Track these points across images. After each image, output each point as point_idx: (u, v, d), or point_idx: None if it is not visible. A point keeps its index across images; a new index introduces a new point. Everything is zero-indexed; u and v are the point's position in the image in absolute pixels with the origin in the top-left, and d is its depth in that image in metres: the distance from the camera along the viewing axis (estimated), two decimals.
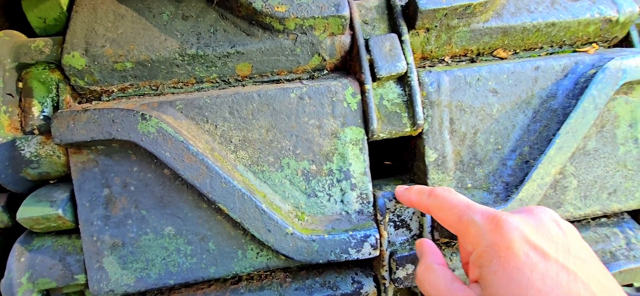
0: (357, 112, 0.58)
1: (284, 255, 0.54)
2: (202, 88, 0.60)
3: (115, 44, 0.57)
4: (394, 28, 0.61)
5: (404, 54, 0.58)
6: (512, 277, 0.32)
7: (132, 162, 0.55)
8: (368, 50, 0.58)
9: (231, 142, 0.56)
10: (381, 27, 0.62)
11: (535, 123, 0.61)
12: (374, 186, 0.60)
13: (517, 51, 0.66)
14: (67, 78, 0.57)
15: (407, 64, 0.57)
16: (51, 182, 0.59)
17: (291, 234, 0.53)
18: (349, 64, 0.62)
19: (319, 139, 0.57)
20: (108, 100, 0.58)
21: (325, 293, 0.57)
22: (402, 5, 0.61)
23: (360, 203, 0.58)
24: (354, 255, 0.54)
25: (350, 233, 0.54)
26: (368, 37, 0.59)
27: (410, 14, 0.60)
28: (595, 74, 0.59)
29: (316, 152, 0.57)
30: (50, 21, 0.59)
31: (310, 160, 0.57)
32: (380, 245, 0.56)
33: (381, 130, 0.58)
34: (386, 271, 0.57)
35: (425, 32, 0.61)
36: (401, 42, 0.59)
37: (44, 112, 0.57)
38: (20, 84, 0.58)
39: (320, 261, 0.54)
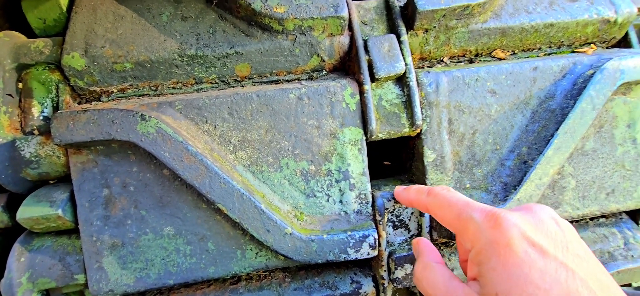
0: (355, 112, 0.58)
1: (283, 255, 0.55)
2: (202, 88, 0.60)
3: (115, 44, 0.57)
4: (392, 29, 0.61)
5: (403, 55, 0.58)
6: (511, 274, 0.33)
7: (131, 162, 0.55)
8: (367, 51, 0.58)
9: (230, 143, 0.56)
10: (380, 28, 0.62)
11: (533, 123, 0.61)
12: (372, 186, 0.61)
13: (516, 52, 0.66)
14: (66, 79, 0.57)
15: (406, 64, 0.58)
16: (51, 182, 0.59)
17: (290, 234, 0.54)
18: (348, 65, 0.62)
19: (318, 139, 0.57)
20: (108, 101, 0.59)
21: (324, 293, 0.58)
22: (400, 6, 0.62)
23: (359, 204, 0.58)
24: (352, 255, 0.55)
25: (349, 233, 0.55)
26: (367, 37, 0.59)
27: (409, 15, 0.60)
28: (593, 74, 0.59)
29: (315, 153, 0.57)
30: (50, 22, 0.59)
31: (309, 161, 0.57)
32: (379, 245, 0.56)
33: (380, 131, 0.58)
34: (385, 271, 0.57)
35: (423, 33, 0.61)
36: (400, 42, 0.59)
37: (43, 112, 0.57)
38: (20, 85, 0.58)
39: (319, 261, 0.55)
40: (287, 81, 0.61)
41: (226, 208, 0.53)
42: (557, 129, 0.58)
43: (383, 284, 0.58)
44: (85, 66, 0.56)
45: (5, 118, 0.56)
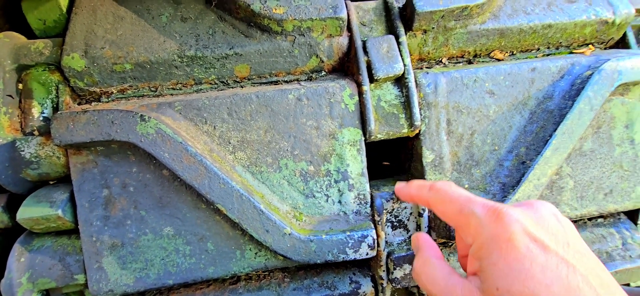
0: (354, 113, 0.58)
1: (282, 255, 0.55)
2: (201, 89, 0.61)
3: (115, 45, 0.57)
4: (391, 30, 0.62)
5: (401, 56, 0.58)
6: (512, 268, 0.33)
7: (131, 163, 0.55)
8: (365, 52, 0.58)
9: (230, 143, 0.57)
10: (379, 29, 0.62)
11: (531, 124, 0.61)
12: (371, 187, 0.61)
13: (514, 52, 0.67)
14: (66, 80, 0.57)
15: (405, 65, 0.58)
16: (51, 182, 0.59)
17: (289, 234, 0.54)
18: (347, 66, 0.62)
19: (317, 140, 0.58)
20: (107, 102, 0.59)
21: (323, 293, 0.58)
22: (399, 7, 0.62)
23: (358, 204, 0.58)
24: (351, 255, 0.55)
25: (348, 233, 0.55)
26: (365, 38, 0.60)
27: (408, 16, 0.60)
28: (591, 75, 0.59)
29: (314, 153, 0.58)
30: (50, 23, 0.59)
31: (308, 161, 0.58)
32: (378, 245, 0.57)
33: (378, 131, 0.58)
34: (384, 271, 0.58)
35: (422, 34, 0.61)
36: (398, 43, 0.59)
37: (43, 113, 0.57)
38: (20, 85, 0.58)
39: (318, 261, 0.55)
40: (286, 82, 0.61)
41: (225, 208, 0.53)
42: (555, 130, 0.58)
43: (382, 284, 0.58)
44: (85, 67, 0.56)
45: (6, 119, 0.56)
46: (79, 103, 0.59)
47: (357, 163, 0.58)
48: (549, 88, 0.62)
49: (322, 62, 0.61)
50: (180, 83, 0.60)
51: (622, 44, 0.70)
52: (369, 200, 0.59)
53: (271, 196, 0.57)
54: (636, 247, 0.64)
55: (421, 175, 0.60)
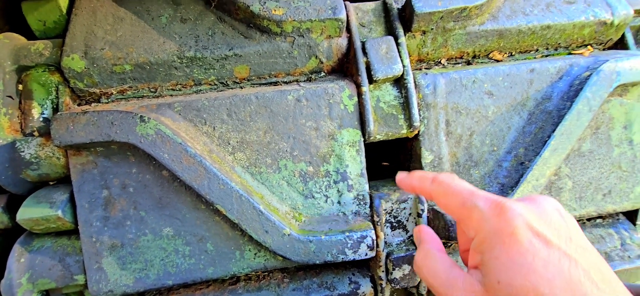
0: (353, 114, 0.58)
1: (281, 256, 0.55)
2: (201, 90, 0.61)
3: (114, 46, 0.57)
4: (390, 31, 0.62)
5: (400, 57, 0.58)
6: (514, 262, 0.33)
7: (131, 164, 0.55)
8: (365, 53, 0.58)
9: (229, 144, 0.57)
10: (378, 30, 0.62)
11: (530, 125, 0.61)
12: (370, 187, 0.61)
13: (513, 53, 0.67)
14: (66, 81, 0.58)
15: (403, 66, 0.58)
16: (51, 183, 0.59)
17: (288, 235, 0.54)
18: (346, 67, 0.63)
19: (316, 141, 0.58)
20: (107, 102, 0.59)
21: (322, 294, 0.58)
22: (398, 8, 0.62)
23: (357, 204, 0.58)
24: (350, 255, 0.55)
25: (347, 234, 0.55)
26: (365, 39, 0.60)
27: (407, 17, 0.60)
28: (589, 76, 0.60)
29: (313, 154, 0.58)
30: (50, 24, 0.59)
31: (308, 162, 0.58)
32: (377, 246, 0.57)
33: (377, 132, 0.58)
34: (383, 271, 0.58)
35: (421, 35, 0.61)
36: (397, 44, 0.59)
37: (43, 114, 0.58)
38: (20, 86, 0.58)
39: (318, 261, 0.55)
40: (286, 83, 0.61)
41: (225, 209, 0.53)
42: (553, 130, 0.58)
43: (381, 284, 0.58)
44: (85, 68, 0.56)
45: (6, 119, 0.57)
46: (79, 104, 0.59)
47: (356, 164, 0.58)
48: (548, 89, 0.62)
49: (322, 63, 0.61)
50: (180, 84, 0.60)
51: (620, 44, 0.70)
52: (368, 200, 0.59)
53: (270, 197, 0.57)
54: (635, 248, 0.64)
55: None
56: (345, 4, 0.60)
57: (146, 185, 0.55)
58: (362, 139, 0.59)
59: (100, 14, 0.59)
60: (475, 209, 0.37)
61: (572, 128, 0.58)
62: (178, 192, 0.55)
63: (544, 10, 0.64)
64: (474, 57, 0.66)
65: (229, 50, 0.58)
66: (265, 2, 0.57)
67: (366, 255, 0.55)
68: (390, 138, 0.59)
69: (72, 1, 0.59)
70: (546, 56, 0.67)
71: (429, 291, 0.61)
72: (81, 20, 0.58)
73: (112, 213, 0.55)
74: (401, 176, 0.50)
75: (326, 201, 0.58)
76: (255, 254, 0.57)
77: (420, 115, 0.59)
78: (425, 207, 0.58)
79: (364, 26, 0.62)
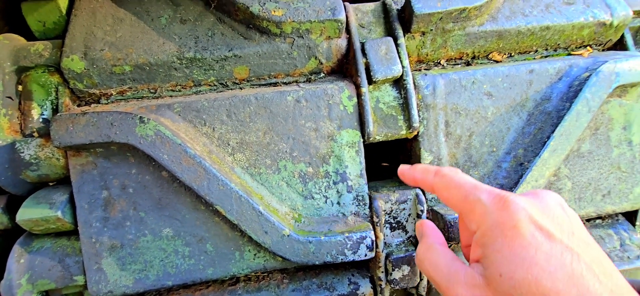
0: (353, 114, 0.58)
1: (280, 257, 0.55)
2: (200, 91, 0.61)
3: (114, 47, 0.57)
4: (390, 32, 0.62)
5: (400, 58, 0.58)
6: (516, 255, 0.33)
7: (130, 165, 0.55)
8: (364, 54, 0.58)
9: (229, 145, 0.57)
10: (377, 31, 0.63)
11: (529, 126, 0.61)
12: (370, 188, 0.61)
13: (512, 54, 0.67)
14: (66, 82, 0.58)
15: (403, 67, 0.58)
16: (50, 184, 0.59)
17: (288, 236, 0.54)
18: (346, 67, 0.63)
19: (316, 142, 0.58)
20: (107, 103, 0.59)
21: (322, 294, 0.58)
22: (398, 9, 0.62)
23: (357, 205, 0.59)
24: (350, 256, 0.55)
25: (347, 234, 0.55)
26: (364, 40, 0.60)
27: (406, 18, 0.60)
28: (589, 77, 0.60)
29: (313, 155, 0.58)
30: (49, 25, 0.59)
31: (307, 163, 0.58)
32: (376, 247, 0.57)
33: (377, 133, 0.58)
34: (382, 272, 0.58)
35: (420, 36, 0.61)
36: (397, 45, 0.59)
37: (43, 114, 0.58)
38: (20, 87, 0.58)
39: (317, 262, 0.55)
40: (285, 84, 0.62)
41: (224, 210, 0.53)
42: (553, 131, 0.58)
43: (380, 285, 0.58)
44: (85, 69, 0.56)
45: (5, 120, 0.57)
46: (79, 105, 0.59)
47: (355, 165, 0.59)
48: (547, 90, 0.62)
49: (321, 63, 0.61)
50: (180, 85, 0.60)
51: (620, 45, 0.70)
52: (368, 201, 0.59)
53: (270, 197, 0.57)
54: (634, 248, 0.64)
55: None
56: (344, 5, 0.60)
57: (146, 186, 0.55)
58: (362, 140, 0.59)
59: (100, 14, 0.59)
60: (478, 202, 0.37)
61: (571, 129, 0.58)
62: (178, 193, 0.56)
63: (543, 11, 0.64)
64: (474, 58, 0.66)
65: (229, 51, 0.59)
66: (264, 3, 0.57)
67: (365, 255, 0.55)
68: (389, 139, 0.60)
69: (71, 2, 0.59)
70: (545, 57, 0.67)
71: (428, 292, 0.62)
72: (81, 21, 0.58)
73: (111, 213, 0.55)
74: (403, 169, 0.49)
75: (325, 202, 0.58)
76: (254, 255, 0.57)
77: (419, 116, 0.59)
78: (425, 207, 0.58)
79: (363, 27, 0.62)
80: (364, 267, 0.62)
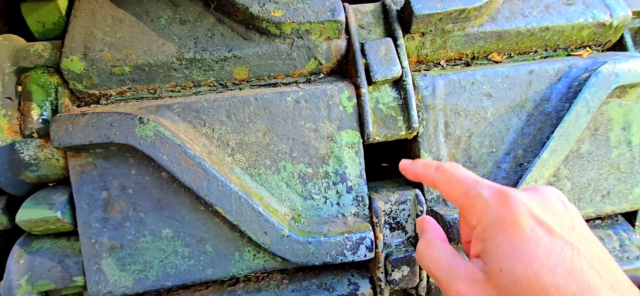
0: (352, 115, 0.58)
1: (280, 257, 0.55)
2: (200, 91, 0.61)
3: (114, 48, 0.57)
4: (389, 32, 0.62)
5: (399, 58, 0.58)
6: (516, 250, 0.33)
7: (130, 165, 0.55)
8: (364, 54, 0.58)
9: (228, 145, 0.57)
10: (377, 31, 0.63)
11: (529, 126, 0.61)
12: (369, 188, 0.61)
13: (512, 55, 0.67)
14: (66, 82, 0.58)
15: (402, 68, 0.58)
16: (50, 184, 0.59)
17: (287, 236, 0.54)
18: (345, 68, 0.63)
19: (315, 142, 0.58)
20: (106, 104, 0.59)
21: (321, 295, 0.58)
22: (397, 10, 0.62)
23: (356, 206, 0.59)
24: (349, 257, 0.55)
25: (346, 235, 0.55)
26: (364, 41, 0.60)
27: (406, 19, 0.60)
28: (588, 77, 0.60)
29: (312, 155, 0.58)
30: (49, 25, 0.59)
31: (307, 163, 0.58)
32: (376, 247, 0.57)
33: (376, 134, 0.58)
34: (382, 273, 0.58)
35: (420, 36, 0.61)
36: (396, 46, 0.59)
37: (43, 115, 0.58)
38: (20, 88, 0.58)
39: (316, 263, 0.55)
40: (285, 84, 0.62)
41: (224, 210, 0.53)
42: (552, 132, 0.58)
43: (380, 286, 0.58)
44: (84, 69, 0.56)
45: (5, 121, 0.57)
46: (78, 106, 0.59)
47: (355, 165, 0.59)
48: (547, 90, 0.62)
49: (321, 64, 0.61)
50: (179, 86, 0.60)
51: (619, 46, 0.70)
52: (367, 201, 0.59)
53: (270, 198, 0.57)
54: (634, 249, 0.64)
55: None
56: (344, 6, 0.60)
57: (145, 187, 0.55)
58: (361, 140, 0.59)
59: (100, 15, 0.59)
60: (479, 197, 0.37)
61: (570, 129, 0.58)
62: (177, 193, 0.56)
63: (542, 12, 0.65)
64: (473, 58, 0.66)
65: (228, 51, 0.59)
66: (264, 4, 0.57)
67: (365, 256, 0.55)
68: (389, 140, 0.60)
69: (71, 3, 0.60)
70: (545, 58, 0.67)
71: (428, 292, 0.62)
72: (80, 22, 0.58)
73: (111, 214, 0.55)
74: (405, 163, 0.49)
75: (325, 202, 0.58)
76: (254, 255, 0.57)
77: (419, 117, 0.59)
78: (424, 208, 0.58)
79: (363, 28, 0.62)
80: (364, 268, 0.62)
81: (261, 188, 0.57)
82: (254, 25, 0.58)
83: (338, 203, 0.58)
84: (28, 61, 0.57)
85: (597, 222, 0.67)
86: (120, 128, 0.52)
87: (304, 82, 0.62)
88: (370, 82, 0.58)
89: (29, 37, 0.61)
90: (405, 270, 0.57)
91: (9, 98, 0.57)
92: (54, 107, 0.58)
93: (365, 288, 0.59)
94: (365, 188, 0.59)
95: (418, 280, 0.58)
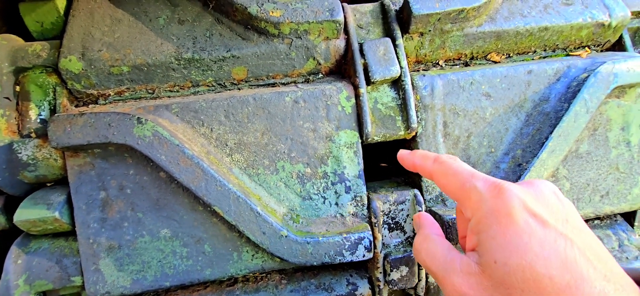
0: (351, 115, 0.58)
1: (278, 257, 0.55)
2: (198, 91, 0.61)
3: (112, 48, 0.57)
4: (388, 32, 0.62)
5: (398, 58, 0.58)
6: (510, 242, 0.33)
7: (128, 165, 0.55)
8: (362, 55, 0.58)
9: (227, 145, 0.57)
10: (375, 32, 0.62)
11: (528, 126, 0.61)
12: (368, 188, 0.61)
13: (511, 55, 0.67)
14: (64, 82, 0.58)
15: (401, 68, 0.58)
16: (48, 184, 0.59)
17: (286, 236, 0.54)
18: (344, 68, 0.63)
19: (314, 142, 0.58)
20: (105, 104, 0.59)
21: (320, 295, 0.58)
22: (396, 10, 0.62)
23: (355, 206, 0.58)
24: (348, 257, 0.55)
25: (345, 235, 0.55)
26: (362, 41, 0.60)
27: (404, 19, 0.60)
28: (587, 77, 0.60)
29: (311, 155, 0.58)
30: (47, 25, 0.59)
31: (305, 163, 0.58)
32: (375, 247, 0.57)
33: (375, 134, 0.58)
34: (380, 273, 0.58)
35: (419, 37, 0.61)
36: (395, 46, 0.59)
37: (41, 115, 0.58)
38: (18, 88, 0.58)
39: (315, 263, 0.55)
40: (284, 84, 0.61)
41: (222, 210, 0.53)
42: (551, 132, 0.58)
43: (379, 286, 0.58)
44: (83, 69, 0.56)
45: (3, 121, 0.56)
46: (76, 106, 0.59)
47: (353, 166, 0.58)
48: (545, 90, 0.62)
49: (319, 64, 0.61)
50: (178, 86, 0.60)
51: (618, 46, 0.70)
52: (366, 202, 0.59)
53: (268, 198, 0.57)
54: (633, 249, 0.64)
55: (418, 177, 0.60)
56: (342, 6, 0.60)
57: (143, 187, 0.55)
58: (360, 141, 0.59)
59: (98, 15, 0.59)
60: (474, 190, 0.38)
61: (569, 129, 0.58)
62: (175, 194, 0.55)
63: (541, 12, 0.64)
64: (472, 58, 0.66)
65: (227, 51, 0.58)
66: (262, 4, 0.57)
67: (363, 256, 0.55)
68: (388, 140, 0.60)
69: (69, 2, 0.59)
70: (544, 58, 0.67)
71: (426, 292, 0.61)
72: (79, 22, 0.58)
73: (109, 214, 0.55)
74: (403, 153, 0.50)
75: (324, 202, 0.58)
76: (252, 255, 0.57)
77: (417, 117, 0.59)
78: (423, 208, 0.58)
79: (361, 28, 0.62)
80: (363, 268, 0.62)
81: (260, 188, 0.57)
82: (252, 25, 0.58)
83: (337, 203, 0.58)
84: (26, 61, 0.57)
85: (596, 222, 0.67)
86: (118, 128, 0.52)
87: (302, 82, 0.62)
88: (369, 82, 0.58)
89: (27, 36, 0.60)
90: (404, 270, 0.57)
91: (7, 98, 0.57)
92: (52, 107, 0.58)
93: (364, 289, 0.59)
94: (364, 188, 0.59)
95: (417, 280, 0.58)
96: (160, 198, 0.55)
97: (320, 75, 0.63)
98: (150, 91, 0.60)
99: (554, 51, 0.68)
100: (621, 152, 0.63)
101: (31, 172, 0.56)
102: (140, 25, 0.59)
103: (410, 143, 0.62)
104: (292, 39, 0.59)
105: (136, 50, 0.57)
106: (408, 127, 0.58)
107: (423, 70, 0.64)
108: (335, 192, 0.58)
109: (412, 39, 0.61)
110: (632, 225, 0.68)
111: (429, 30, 0.61)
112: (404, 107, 0.59)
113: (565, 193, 0.62)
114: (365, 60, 0.58)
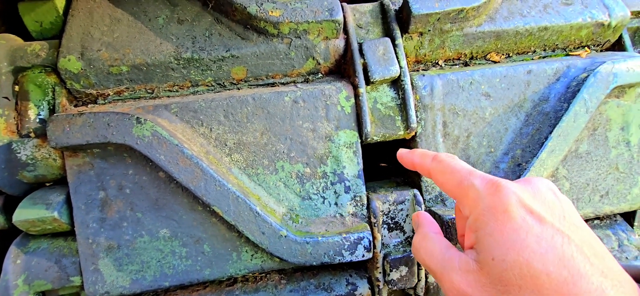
0: (350, 115, 0.58)
1: (278, 257, 0.55)
2: (198, 91, 0.61)
3: (111, 47, 0.57)
4: (387, 32, 0.62)
5: (398, 58, 0.58)
6: (507, 239, 0.33)
7: (127, 165, 0.55)
8: (362, 54, 0.58)
9: (226, 145, 0.57)
10: (375, 31, 0.62)
11: (527, 126, 0.61)
12: (368, 188, 0.61)
13: (510, 55, 0.67)
14: (63, 82, 0.57)
15: (401, 67, 0.58)
16: (47, 184, 0.59)
17: (285, 236, 0.54)
18: (343, 68, 0.63)
19: (313, 142, 0.58)
20: (104, 104, 0.59)
21: (319, 295, 0.58)
22: (395, 10, 0.62)
23: (354, 206, 0.58)
24: (347, 257, 0.55)
25: (344, 235, 0.55)
26: (362, 41, 0.60)
27: (404, 18, 0.60)
28: (587, 77, 0.60)
29: (310, 155, 0.58)
30: (46, 25, 0.59)
31: (305, 163, 0.58)
32: (374, 247, 0.57)
33: (375, 133, 0.58)
34: (380, 273, 0.58)
35: (418, 36, 0.61)
36: (395, 46, 0.59)
37: (40, 115, 0.57)
38: (17, 87, 0.58)
39: (314, 263, 0.55)
40: (283, 84, 0.61)
41: (222, 210, 0.53)
42: (550, 132, 0.58)
43: (378, 286, 0.58)
44: (82, 69, 0.56)
45: (2, 121, 0.56)
46: (76, 105, 0.59)
47: (353, 165, 0.58)
48: (545, 90, 0.62)
49: (319, 64, 0.61)
50: (177, 86, 0.60)
51: (618, 46, 0.70)
52: (366, 201, 0.59)
53: (267, 198, 0.57)
54: (632, 249, 0.64)
55: (418, 177, 0.60)
56: (342, 5, 0.60)
57: (143, 187, 0.55)
58: (359, 140, 0.59)
59: (97, 15, 0.59)
60: (472, 188, 0.38)
61: (569, 129, 0.58)
62: (175, 194, 0.55)
63: (541, 12, 0.64)
64: (472, 58, 0.66)
65: (226, 51, 0.58)
66: (262, 4, 0.57)
67: (363, 256, 0.55)
68: (387, 140, 0.59)
69: (68, 2, 0.59)
70: (543, 57, 0.67)
71: (426, 293, 0.61)
72: (78, 21, 0.58)
73: (108, 214, 0.55)
74: (402, 152, 0.51)
75: (323, 202, 0.58)
76: (252, 256, 0.57)
77: (417, 117, 0.59)
78: (423, 208, 0.58)
79: (361, 27, 0.62)
80: (362, 268, 0.62)
81: (259, 188, 0.57)
82: (251, 24, 0.58)
83: (336, 203, 0.58)
84: (25, 61, 0.57)
85: (596, 222, 0.67)
86: (117, 128, 0.52)
87: (302, 82, 0.61)
88: (368, 82, 0.58)
89: (27, 36, 0.60)
90: (404, 270, 0.57)
91: (6, 98, 0.57)
92: (51, 107, 0.58)
93: (363, 289, 0.59)
94: (364, 188, 0.59)
95: (416, 280, 0.58)
96: (159, 198, 0.55)
97: (320, 75, 0.63)
98: (149, 91, 0.60)
99: (553, 51, 0.68)
100: (621, 152, 0.63)
101: (30, 172, 0.56)
102: (139, 24, 0.59)
103: (409, 143, 0.62)
104: (292, 38, 0.59)
105: (135, 50, 0.57)
106: (407, 126, 0.58)
107: (422, 70, 0.64)
108: (335, 192, 0.58)
109: (412, 38, 0.61)
110: (632, 225, 0.68)
111: (429, 30, 0.61)
112: (403, 107, 0.59)
113: (565, 193, 0.62)
114: (364, 60, 0.58)
